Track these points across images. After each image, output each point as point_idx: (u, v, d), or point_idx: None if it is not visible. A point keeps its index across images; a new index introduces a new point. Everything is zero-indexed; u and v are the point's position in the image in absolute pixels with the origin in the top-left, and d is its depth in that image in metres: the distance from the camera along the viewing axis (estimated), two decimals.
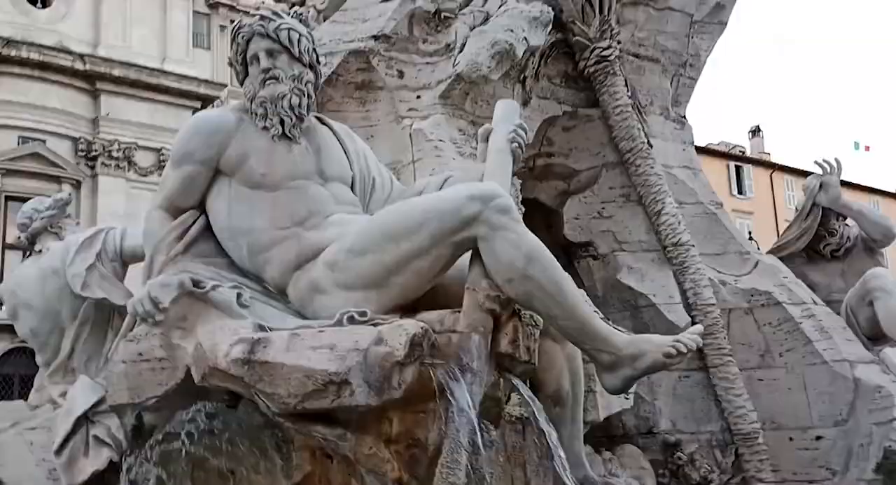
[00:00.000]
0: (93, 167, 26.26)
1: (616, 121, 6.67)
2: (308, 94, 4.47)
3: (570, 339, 4.05)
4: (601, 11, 6.58)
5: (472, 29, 6.00)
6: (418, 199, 4.19)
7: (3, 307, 6.78)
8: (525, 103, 6.40)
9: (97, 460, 5.92)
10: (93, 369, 6.42)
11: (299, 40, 4.47)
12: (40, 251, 6.70)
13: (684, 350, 3.85)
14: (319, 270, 4.15)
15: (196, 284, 4.14)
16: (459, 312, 3.90)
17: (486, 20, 6.08)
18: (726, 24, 7.48)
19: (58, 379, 6.45)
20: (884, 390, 6.03)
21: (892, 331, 6.58)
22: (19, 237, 6.80)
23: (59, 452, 5.90)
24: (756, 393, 6.48)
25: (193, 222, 4.52)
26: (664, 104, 7.15)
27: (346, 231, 4.23)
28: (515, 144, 4.45)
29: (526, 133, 4.51)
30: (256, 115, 4.43)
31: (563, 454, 4.02)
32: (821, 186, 7.33)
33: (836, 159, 7.36)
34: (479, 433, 3.67)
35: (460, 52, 5.88)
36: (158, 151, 26.74)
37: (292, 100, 4.41)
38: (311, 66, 4.53)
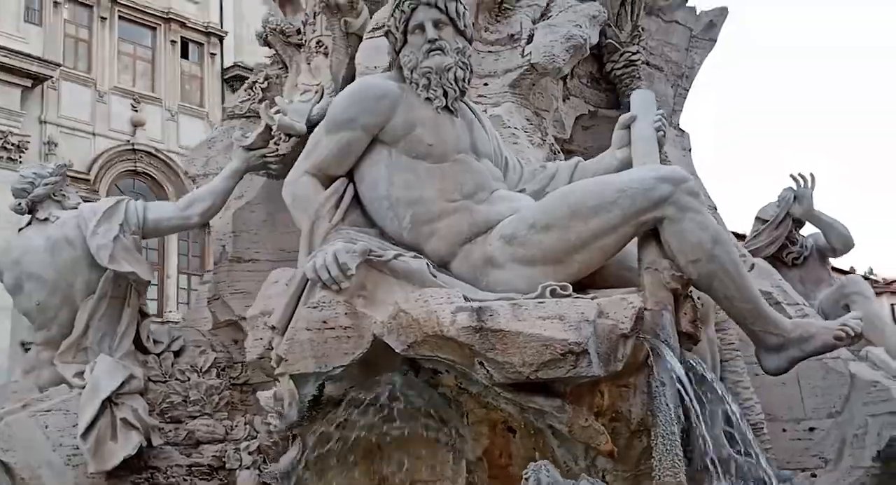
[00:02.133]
0: None
1: None
2: (470, 69, 4.46)
3: (741, 320, 4.25)
4: (632, 17, 6.86)
5: (533, 22, 6.11)
6: (604, 178, 4.27)
7: (5, 279, 6.22)
8: (565, 98, 6.58)
9: (127, 444, 5.63)
10: (106, 348, 6.05)
11: (463, 14, 4.46)
12: (45, 219, 6.20)
13: (852, 333, 4.15)
14: (495, 244, 4.15)
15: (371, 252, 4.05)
16: (637, 291, 4.02)
17: (543, 15, 6.21)
18: (716, 41, 7.94)
19: (68, 358, 6.02)
20: (879, 385, 6.59)
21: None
22: (20, 204, 6.26)
23: (84, 436, 5.51)
24: (754, 386, 6.91)
25: (344, 191, 4.40)
26: (668, 112, 7.50)
27: (519, 207, 4.26)
28: (661, 133, 4.63)
29: (666, 123, 4.70)
30: (418, 85, 4.37)
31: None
32: (795, 197, 7.93)
33: (811, 173, 7.99)
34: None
35: (527, 43, 5.97)
36: None
37: (457, 73, 4.39)
38: (469, 42, 4.53)
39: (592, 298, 3.82)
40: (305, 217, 4.31)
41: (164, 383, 6.35)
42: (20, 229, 6.47)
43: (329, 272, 3.91)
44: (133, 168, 29.29)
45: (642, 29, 7.02)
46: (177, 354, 6.51)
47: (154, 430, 5.88)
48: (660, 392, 3.76)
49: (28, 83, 26.21)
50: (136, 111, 29.90)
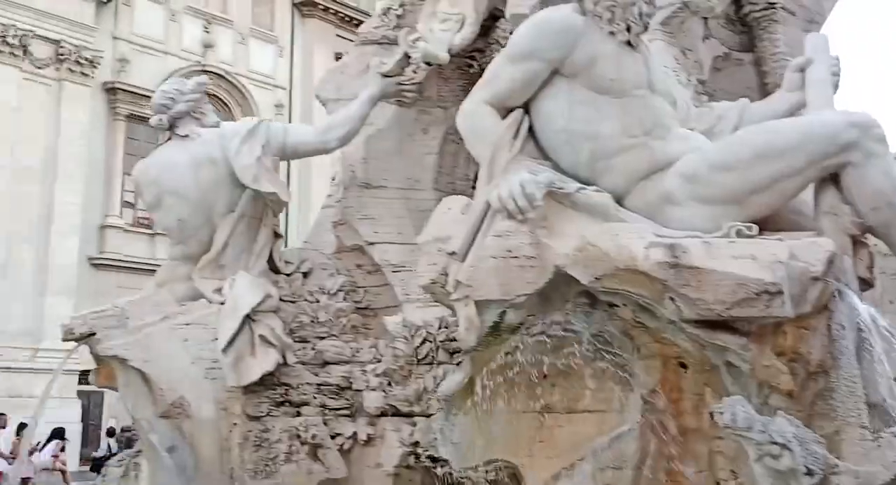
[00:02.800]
0: None
1: (773, 67, 6.84)
2: (653, 4, 4.43)
3: None
4: None
5: None
6: (790, 121, 4.26)
7: (145, 195, 6.34)
8: (705, 39, 6.50)
9: (265, 360, 5.75)
10: (242, 266, 6.17)
11: None
12: (186, 136, 6.28)
13: None
14: (674, 181, 4.16)
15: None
16: (814, 235, 4.01)
17: None
18: None
19: (207, 274, 6.15)
20: None
21: None
22: (161, 119, 6.35)
23: (225, 350, 5.65)
24: None
25: (520, 122, 4.41)
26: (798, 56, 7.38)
27: (697, 146, 4.26)
28: (837, 77, 4.57)
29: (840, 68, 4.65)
30: (601, 18, 4.35)
31: None
32: None
33: None
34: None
35: None
36: (57, 42, 25.03)
37: (642, 7, 4.36)
38: None
39: (779, 240, 3.83)
40: (485, 146, 4.34)
41: (294, 304, 6.47)
42: (158, 145, 6.57)
43: (516, 202, 3.96)
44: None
45: None
46: (305, 275, 6.62)
47: (289, 348, 6.02)
48: (840, 335, 3.80)
49: None
50: (208, 32, 29.97)
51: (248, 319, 5.87)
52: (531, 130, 4.47)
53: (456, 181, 7.05)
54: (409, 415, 6.19)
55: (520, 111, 4.43)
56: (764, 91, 7.00)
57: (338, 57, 33.57)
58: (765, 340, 3.79)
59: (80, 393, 22.27)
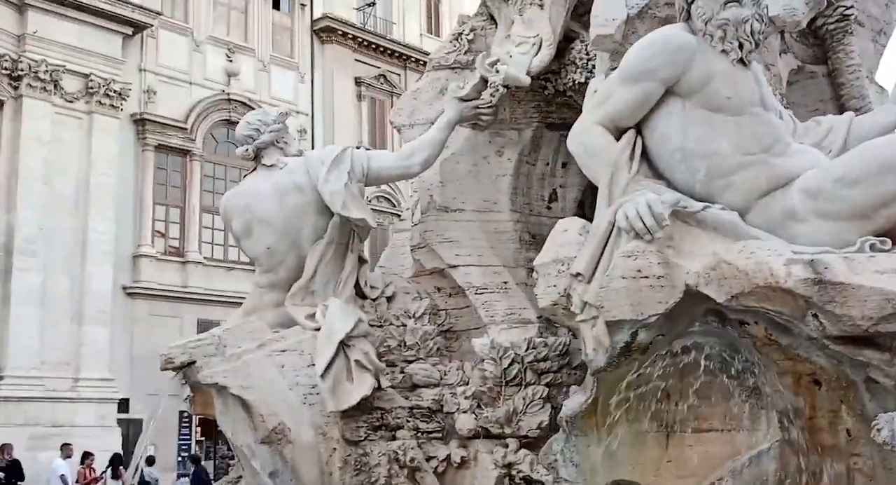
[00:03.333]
0: (17, 87, 24.55)
1: (848, 79, 6.85)
2: (765, 21, 4.45)
3: None
4: None
5: None
6: None
7: (234, 224, 6.39)
8: (782, 53, 6.51)
9: (363, 385, 5.78)
10: (330, 292, 6.20)
11: None
12: (272, 166, 6.34)
13: None
14: (796, 198, 4.17)
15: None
16: None
17: None
18: None
19: (298, 301, 6.18)
20: None
21: None
22: (247, 150, 6.41)
23: (323, 376, 5.68)
24: None
25: (635, 143, 4.44)
26: (870, 67, 7.40)
27: (817, 161, 4.27)
28: None
29: None
30: (713, 37, 4.38)
31: None
32: None
33: None
34: None
35: None
36: (87, 76, 25.27)
37: (754, 25, 4.39)
38: None
39: None
40: (603, 167, 4.36)
41: (381, 328, 6.49)
42: (245, 175, 6.62)
43: (643, 222, 3.97)
44: (227, 118, 29.61)
45: None
46: (389, 299, 6.65)
47: (382, 372, 6.04)
48: None
49: (129, 31, 26.53)
50: (231, 61, 30.18)
51: (343, 344, 5.89)
52: (644, 150, 4.48)
53: (532, 202, 7.08)
54: (500, 437, 6.21)
55: (632, 132, 4.45)
56: (838, 103, 7.01)
57: (357, 81, 33.82)
58: None
59: (119, 421, 22.37)
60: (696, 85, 4.30)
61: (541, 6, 6.53)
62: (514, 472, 6.10)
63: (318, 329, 5.99)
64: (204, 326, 26.68)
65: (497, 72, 6.37)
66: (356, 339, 5.96)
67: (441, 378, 6.41)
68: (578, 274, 4.17)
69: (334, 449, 5.86)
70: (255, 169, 6.49)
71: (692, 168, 4.31)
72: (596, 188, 7.09)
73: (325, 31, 33.03)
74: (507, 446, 6.18)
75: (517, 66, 6.26)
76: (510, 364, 6.23)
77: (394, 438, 6.08)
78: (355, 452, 5.90)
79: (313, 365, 5.89)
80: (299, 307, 6.17)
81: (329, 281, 6.24)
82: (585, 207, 7.20)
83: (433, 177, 6.79)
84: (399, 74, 35.13)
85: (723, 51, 4.35)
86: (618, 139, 4.49)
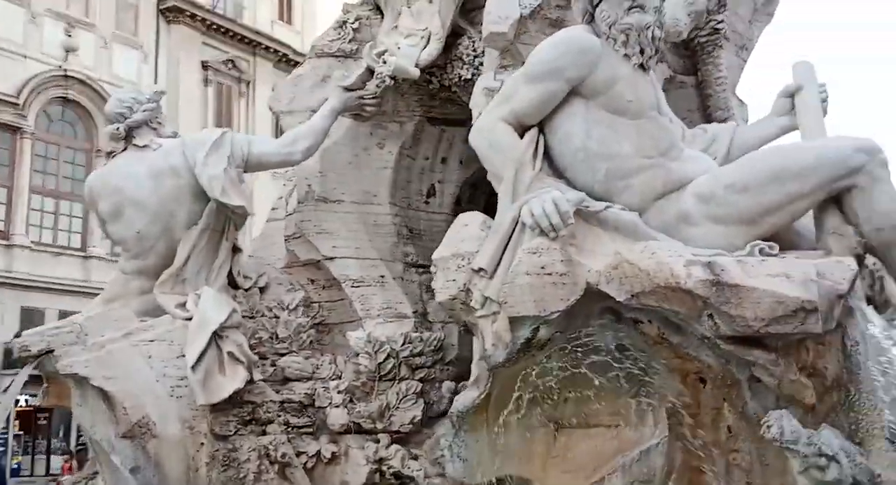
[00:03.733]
0: None
1: (715, 90, 7.12)
2: (664, 29, 4.56)
3: None
4: None
5: None
6: (801, 145, 4.46)
7: (101, 205, 6.06)
8: (658, 61, 6.72)
9: (235, 378, 5.63)
10: (202, 281, 5.99)
11: None
12: (145, 147, 6.06)
13: None
14: (689, 201, 4.30)
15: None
16: (824, 254, 4.23)
17: None
18: (773, 16, 8.18)
19: (167, 289, 5.93)
20: None
21: None
22: (118, 128, 6.08)
23: (194, 367, 5.48)
24: None
25: (537, 141, 4.47)
26: (733, 80, 7.73)
27: (708, 167, 4.42)
28: (825, 103, 4.84)
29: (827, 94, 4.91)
30: (616, 40, 4.46)
31: None
32: None
33: None
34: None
35: None
36: None
37: (655, 31, 4.50)
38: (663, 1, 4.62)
39: (800, 259, 4.00)
40: (507, 164, 4.36)
41: (252, 319, 6.31)
42: (112, 155, 6.29)
43: (549, 219, 4.00)
44: (64, 95, 28.27)
45: None
46: (262, 290, 6.47)
47: (255, 365, 5.86)
48: (855, 350, 4.02)
49: None
50: (70, 36, 28.78)
51: (216, 335, 5.69)
52: (544, 148, 4.52)
53: (411, 196, 7.05)
54: (372, 432, 6.15)
55: (535, 130, 4.48)
56: (705, 113, 7.28)
57: (204, 65, 32.89)
58: (790, 356, 3.96)
59: None
60: (601, 87, 4.37)
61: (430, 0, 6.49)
62: (384, 468, 6.06)
63: (189, 319, 5.75)
64: (27, 314, 25.37)
65: (384, 63, 6.30)
66: (229, 330, 5.77)
67: (313, 372, 6.29)
68: (481, 269, 4.16)
69: (202, 444, 5.64)
70: (125, 149, 6.16)
71: (593, 168, 4.37)
72: (473, 185, 7.18)
73: (172, 11, 31.99)
74: (378, 441, 6.13)
75: (406, 58, 6.21)
76: (385, 359, 6.19)
77: (264, 433, 5.92)
78: (224, 447, 5.70)
79: (183, 356, 5.65)
80: (169, 295, 5.91)
81: (201, 269, 6.01)
82: (462, 202, 7.24)
83: (313, 166, 6.66)
84: (248, 61, 34.41)
85: (625, 55, 4.44)
86: (521, 136, 4.50)
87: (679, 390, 4.19)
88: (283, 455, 5.80)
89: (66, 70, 28.04)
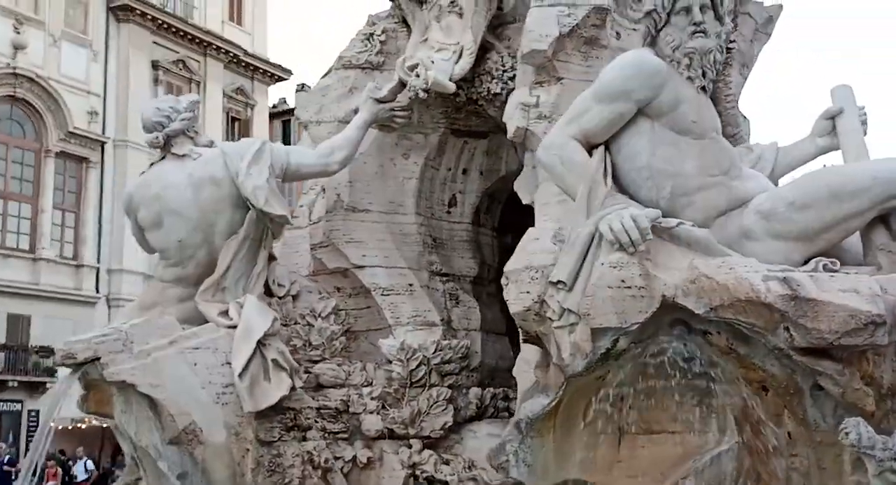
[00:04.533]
0: None
1: (725, 107, 7.39)
2: (724, 53, 4.80)
3: None
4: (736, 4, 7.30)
5: None
6: (856, 165, 4.74)
7: (141, 214, 6.09)
8: None
9: (280, 385, 5.75)
10: (241, 289, 6.08)
11: (722, 2, 4.78)
12: (184, 156, 6.11)
13: None
14: (751, 218, 4.54)
15: None
16: (875, 270, 4.50)
17: None
18: (771, 35, 8.52)
19: (208, 297, 6.00)
20: None
21: None
22: (157, 137, 6.13)
23: (241, 375, 5.58)
24: None
25: (606, 159, 4.66)
26: (737, 98, 8.04)
27: (767, 185, 4.68)
28: (866, 125, 5.13)
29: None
30: (680, 63, 4.68)
31: None
32: None
33: None
34: None
35: None
36: None
37: (716, 56, 4.73)
38: (723, 26, 4.85)
39: (862, 276, 4.26)
40: (578, 180, 4.54)
41: (286, 327, 6.39)
42: (152, 164, 6.32)
43: (629, 235, 4.19)
44: (12, 94, 27.75)
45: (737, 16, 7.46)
46: (294, 298, 6.56)
47: (296, 372, 5.96)
48: None
49: None
50: (18, 33, 28.25)
51: (259, 343, 5.78)
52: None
53: (434, 206, 7.20)
54: (405, 437, 6.29)
55: (603, 148, 4.66)
56: None
57: (154, 64, 32.51)
58: (854, 366, 4.20)
59: None
60: (666, 108, 4.58)
61: (460, 14, 6.66)
62: (418, 472, 6.20)
63: (232, 327, 5.83)
64: None
65: (417, 76, 6.44)
66: (271, 337, 5.86)
67: (346, 379, 6.39)
68: (559, 281, 4.33)
69: (247, 450, 5.73)
70: (163, 158, 6.21)
71: (658, 185, 4.57)
72: (491, 195, 7.35)
73: (123, 10, 31.61)
74: (410, 446, 6.27)
75: (441, 72, 6.36)
76: (417, 366, 6.34)
77: (304, 438, 6.01)
78: (268, 453, 5.80)
79: (228, 364, 5.74)
80: (210, 303, 5.98)
81: (241, 277, 6.09)
82: (481, 213, 7.41)
83: (341, 176, 6.77)
84: (199, 61, 34.13)
85: (689, 77, 4.66)
86: (588, 154, 4.69)
87: (743, 397, 4.41)
88: (326, 461, 5.91)
89: (14, 67, 27.52)
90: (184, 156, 6.12)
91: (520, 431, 4.63)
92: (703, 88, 4.74)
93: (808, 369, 4.19)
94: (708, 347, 4.38)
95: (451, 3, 6.70)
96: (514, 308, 4.55)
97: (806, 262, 4.46)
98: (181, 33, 33.33)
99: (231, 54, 35.05)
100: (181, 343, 5.76)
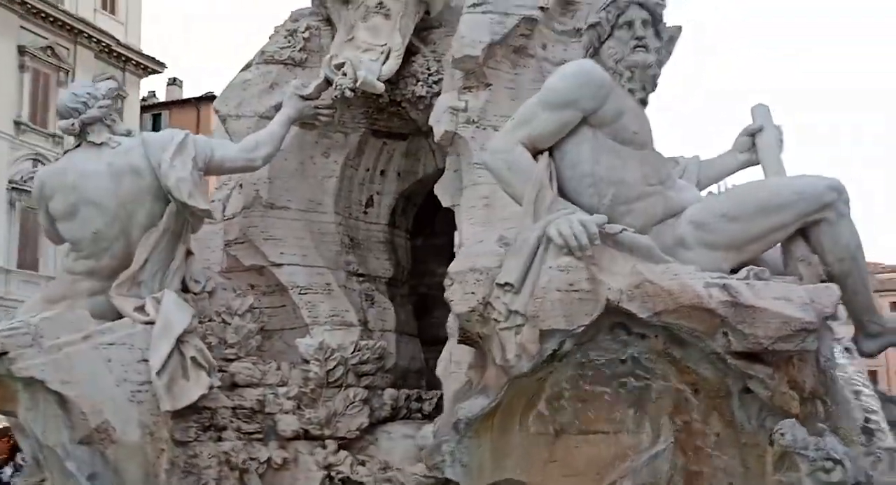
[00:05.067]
0: None
1: None
2: (659, 67, 4.96)
3: (857, 310, 5.09)
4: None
5: None
6: (780, 181, 4.97)
7: (53, 203, 5.83)
8: None
9: (199, 384, 5.66)
10: (157, 284, 5.91)
11: (661, 18, 4.95)
12: (102, 144, 5.90)
13: None
14: (685, 227, 4.71)
15: None
16: (796, 280, 4.75)
17: None
18: (672, 53, 8.84)
19: (123, 291, 5.80)
20: None
21: None
22: (73, 124, 5.88)
23: (160, 373, 5.45)
24: None
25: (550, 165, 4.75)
26: None
27: (698, 196, 4.87)
28: (782, 143, 5.41)
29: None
30: (622, 76, 4.82)
31: None
32: None
33: None
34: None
35: None
36: None
37: (655, 71, 4.88)
38: (661, 42, 5.01)
39: (789, 285, 4.49)
40: (528, 185, 4.60)
41: (201, 324, 6.22)
42: (66, 151, 6.06)
43: (578, 239, 4.29)
44: None
45: None
46: (209, 294, 6.40)
47: (214, 370, 5.81)
48: (829, 365, 4.56)
49: None
50: None
51: (177, 340, 5.62)
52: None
53: (352, 206, 7.18)
54: (320, 438, 6.23)
55: (547, 154, 4.75)
56: None
57: (21, 49, 31.05)
58: (781, 371, 4.42)
59: None
60: (610, 118, 4.70)
61: (387, 16, 6.67)
62: (333, 473, 6.15)
63: (149, 323, 5.65)
64: None
65: (345, 74, 6.41)
66: (189, 334, 5.72)
67: (261, 378, 6.29)
68: (507, 284, 4.38)
69: (162, 450, 5.57)
70: (78, 145, 5.96)
71: (600, 193, 4.69)
72: (407, 197, 7.37)
73: None
74: (325, 447, 6.22)
75: (370, 72, 6.35)
76: (335, 366, 6.31)
77: (220, 439, 5.88)
78: (184, 453, 5.66)
79: (144, 361, 5.57)
80: (126, 298, 5.77)
81: (157, 272, 5.90)
82: (396, 215, 7.41)
83: (261, 172, 6.68)
84: (68, 49, 32.79)
85: (630, 90, 4.80)
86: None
87: (675, 399, 4.56)
88: (244, 461, 5.79)
89: None
90: (101, 144, 5.89)
91: (457, 431, 4.65)
92: (643, 101, 4.88)
93: (741, 372, 4.38)
94: (645, 351, 4.51)
95: (379, 4, 6.70)
96: (457, 308, 4.58)
97: (733, 271, 4.66)
98: (51, 19, 31.93)
99: (102, 44, 33.82)
100: (95, 338, 5.54)
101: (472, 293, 4.54)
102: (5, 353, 5.30)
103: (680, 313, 4.24)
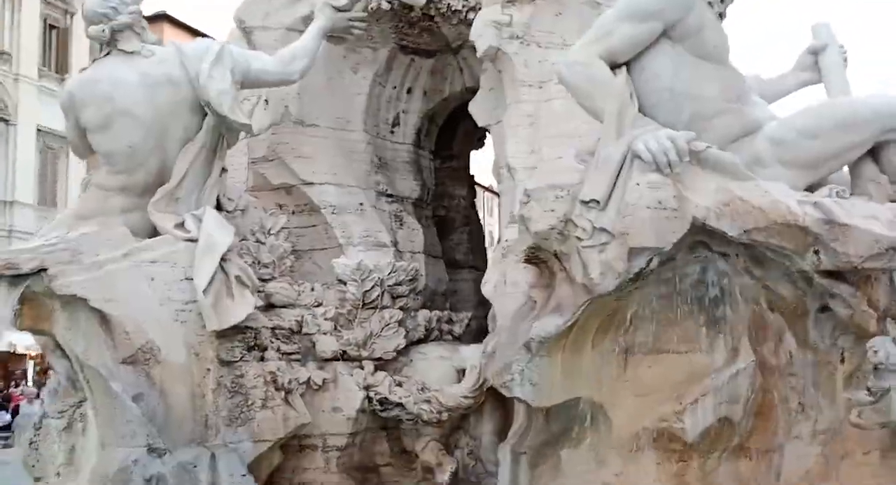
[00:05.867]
0: None
1: None
2: None
3: None
4: None
5: None
6: (857, 99, 4.90)
7: (86, 114, 5.55)
8: None
9: (245, 302, 5.50)
10: (194, 201, 5.71)
11: None
12: (133, 52, 5.61)
13: None
14: (762, 144, 4.64)
15: None
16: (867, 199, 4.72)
17: None
18: None
19: (161, 207, 5.57)
20: None
21: None
22: (103, 30, 5.57)
23: (206, 292, 5.28)
24: None
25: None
26: None
27: (774, 114, 4.79)
28: (846, 62, 5.34)
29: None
30: None
31: None
32: None
33: None
34: None
35: None
36: None
37: None
38: None
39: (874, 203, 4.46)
40: (607, 100, 4.46)
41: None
42: (94, 59, 5.75)
43: (667, 156, 4.19)
44: None
45: None
46: (242, 212, 6.19)
47: (256, 290, 5.65)
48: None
49: None
50: None
51: (221, 259, 5.44)
52: None
53: (380, 125, 6.99)
54: (357, 359, 6.14)
55: (625, 68, 4.61)
56: None
57: None
58: (861, 289, 4.42)
59: None
60: (691, 31, 4.56)
61: None
62: (371, 394, 6.08)
63: (190, 240, 5.45)
64: None
65: None
66: (231, 253, 5.53)
67: (296, 299, 6.14)
68: (592, 200, 4.27)
69: (208, 370, 5.42)
70: (107, 54, 5.65)
71: (679, 107, 4.57)
72: (431, 119, 7.19)
73: None
74: (363, 368, 6.14)
75: None
76: (372, 287, 6.18)
77: (263, 359, 5.75)
78: (230, 373, 5.50)
79: (187, 279, 5.37)
80: (165, 214, 5.55)
81: (194, 188, 5.67)
82: (421, 135, 7.24)
83: (290, 87, 6.46)
84: None
85: (709, 2, 4.66)
86: None
87: (752, 319, 4.54)
88: (290, 382, 5.68)
89: None
90: (133, 53, 5.60)
91: (529, 350, 4.57)
92: (720, 15, 4.75)
93: (823, 291, 4.36)
94: (725, 270, 4.47)
95: None
96: (536, 226, 4.45)
97: (808, 190, 4.61)
98: None
99: None
100: (136, 256, 5.33)
101: (552, 211, 4.41)
102: (44, 269, 5.07)
103: (770, 231, 4.19)
